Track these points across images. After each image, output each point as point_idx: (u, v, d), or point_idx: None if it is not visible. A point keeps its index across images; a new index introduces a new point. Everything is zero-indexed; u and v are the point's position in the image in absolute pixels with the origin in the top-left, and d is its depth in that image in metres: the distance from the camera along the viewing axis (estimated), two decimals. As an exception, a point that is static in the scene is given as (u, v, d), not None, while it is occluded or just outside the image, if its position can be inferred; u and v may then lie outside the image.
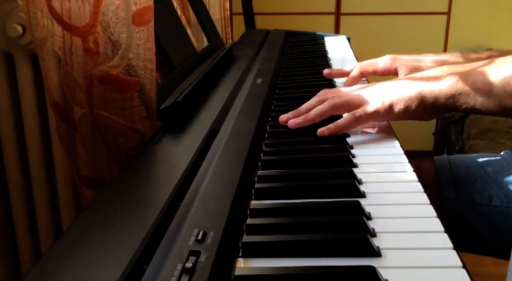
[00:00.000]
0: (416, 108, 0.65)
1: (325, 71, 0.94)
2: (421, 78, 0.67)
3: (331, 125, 0.66)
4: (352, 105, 0.68)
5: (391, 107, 0.65)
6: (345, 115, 0.67)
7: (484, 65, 0.64)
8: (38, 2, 0.61)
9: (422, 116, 0.66)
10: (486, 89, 0.61)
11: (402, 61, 0.86)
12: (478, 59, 0.83)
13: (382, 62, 0.88)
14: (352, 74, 0.90)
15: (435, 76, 0.66)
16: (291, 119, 0.69)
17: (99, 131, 0.66)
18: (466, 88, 0.62)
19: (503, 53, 0.83)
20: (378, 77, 0.87)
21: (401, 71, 0.85)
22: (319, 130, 0.65)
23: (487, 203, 0.74)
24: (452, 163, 0.80)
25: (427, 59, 0.86)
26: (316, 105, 0.70)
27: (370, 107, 0.66)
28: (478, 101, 0.62)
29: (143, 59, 0.64)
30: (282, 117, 0.70)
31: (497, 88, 0.60)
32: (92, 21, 0.59)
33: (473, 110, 0.63)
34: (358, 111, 0.66)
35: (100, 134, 0.66)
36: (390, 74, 0.88)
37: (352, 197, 0.50)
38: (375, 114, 0.66)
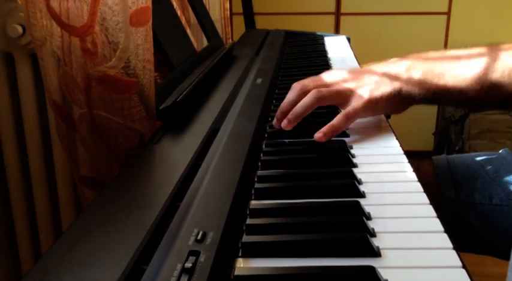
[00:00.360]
0: (396, 106, 0.68)
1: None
2: (399, 77, 0.68)
3: (326, 129, 0.64)
4: (340, 97, 0.68)
5: (377, 104, 0.67)
6: (337, 116, 0.66)
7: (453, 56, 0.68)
8: (36, 2, 0.61)
9: (398, 111, 0.70)
10: (461, 73, 0.64)
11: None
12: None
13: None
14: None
15: (411, 76, 0.68)
16: (280, 120, 0.68)
17: (98, 131, 0.66)
18: (440, 84, 0.65)
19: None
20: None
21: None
22: (316, 136, 0.64)
23: (487, 202, 0.74)
24: (451, 162, 0.80)
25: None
26: (297, 99, 0.68)
27: (359, 104, 0.66)
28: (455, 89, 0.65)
29: (142, 60, 0.64)
30: (274, 124, 0.69)
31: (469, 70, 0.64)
32: (90, 22, 0.59)
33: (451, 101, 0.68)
34: (349, 110, 0.66)
35: (99, 134, 0.66)
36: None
37: (352, 197, 0.50)
38: (364, 111, 0.67)
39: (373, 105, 0.66)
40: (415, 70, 0.67)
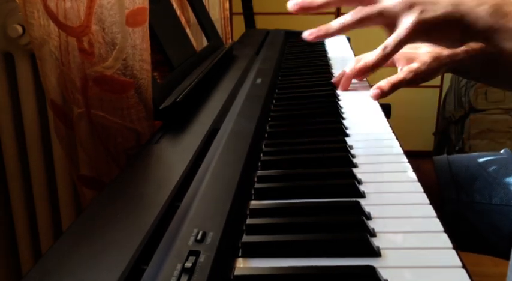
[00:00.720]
0: (452, 36, 0.58)
1: (335, 81, 0.91)
2: (464, 2, 0.58)
3: (359, 66, 0.59)
4: (383, 17, 0.59)
5: (430, 28, 0.57)
6: (381, 46, 0.59)
7: None
8: (34, 2, 0.61)
9: (453, 45, 0.61)
10: None
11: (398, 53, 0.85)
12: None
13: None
14: (349, 71, 0.88)
15: (479, 3, 0.57)
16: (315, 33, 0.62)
17: (96, 131, 0.66)
18: (508, 26, 0.55)
19: None
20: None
21: (399, 63, 0.84)
22: (358, 70, 0.58)
23: (487, 202, 0.74)
24: (451, 162, 0.80)
25: (423, 45, 0.85)
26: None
27: (407, 27, 0.56)
28: None
29: (139, 60, 0.64)
30: (305, 36, 0.64)
31: None
32: (86, 22, 0.59)
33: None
34: (392, 37, 0.58)
35: (97, 134, 0.66)
36: (387, 66, 0.87)
37: (352, 197, 0.50)
38: (412, 36, 0.57)
39: (426, 29, 0.57)
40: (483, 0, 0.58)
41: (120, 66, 0.62)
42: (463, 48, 0.80)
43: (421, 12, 0.57)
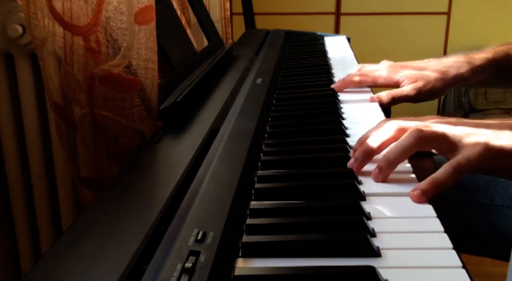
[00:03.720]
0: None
1: (334, 86, 0.89)
2: None
3: (426, 186, 0.49)
4: (447, 141, 0.53)
5: (495, 156, 0.51)
6: (442, 168, 0.51)
7: None
8: (38, 2, 0.61)
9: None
10: None
11: (403, 73, 0.86)
12: (482, 59, 0.84)
13: (383, 78, 0.87)
14: (351, 79, 0.89)
15: None
16: (359, 159, 0.54)
17: (99, 131, 0.66)
18: None
19: (506, 45, 0.84)
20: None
21: (405, 83, 0.85)
22: (414, 195, 0.49)
23: (489, 203, 0.74)
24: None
25: (429, 66, 0.86)
26: (389, 137, 0.54)
27: (473, 153, 0.50)
28: None
29: (144, 59, 0.64)
30: (351, 165, 0.55)
31: None
32: (94, 20, 0.59)
33: None
34: (459, 160, 0.50)
35: (100, 134, 0.66)
36: (391, 86, 0.88)
37: (352, 198, 0.50)
38: (479, 163, 0.51)
39: (491, 157, 0.51)
40: None
41: (126, 64, 0.62)
42: (469, 67, 0.82)
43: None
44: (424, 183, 0.49)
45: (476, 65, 0.84)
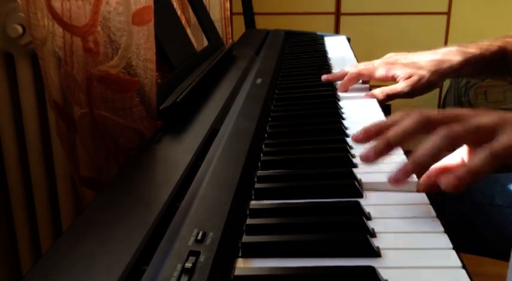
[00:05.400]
0: None
1: (324, 77, 0.93)
2: None
3: (461, 173, 0.45)
4: (480, 134, 0.47)
5: None
6: (476, 155, 0.46)
7: None
8: (37, 2, 0.61)
9: None
10: None
11: (397, 68, 0.86)
12: (475, 48, 0.84)
13: (378, 72, 0.88)
14: (348, 76, 0.89)
15: None
16: (371, 152, 0.50)
17: (98, 131, 0.66)
18: None
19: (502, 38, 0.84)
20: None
21: (399, 78, 0.85)
22: (445, 182, 0.45)
23: (489, 203, 0.74)
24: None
25: (422, 60, 0.86)
26: (411, 127, 0.49)
27: (509, 140, 0.45)
28: None
29: (143, 59, 0.64)
30: (354, 139, 0.52)
31: None
32: (92, 21, 0.59)
33: None
34: (495, 147, 0.45)
35: (100, 134, 0.66)
36: (387, 81, 0.88)
37: (352, 198, 0.50)
38: None
39: None
40: None
41: (125, 65, 0.62)
42: (462, 57, 0.82)
43: None
44: (461, 172, 0.44)
45: (469, 55, 0.84)
